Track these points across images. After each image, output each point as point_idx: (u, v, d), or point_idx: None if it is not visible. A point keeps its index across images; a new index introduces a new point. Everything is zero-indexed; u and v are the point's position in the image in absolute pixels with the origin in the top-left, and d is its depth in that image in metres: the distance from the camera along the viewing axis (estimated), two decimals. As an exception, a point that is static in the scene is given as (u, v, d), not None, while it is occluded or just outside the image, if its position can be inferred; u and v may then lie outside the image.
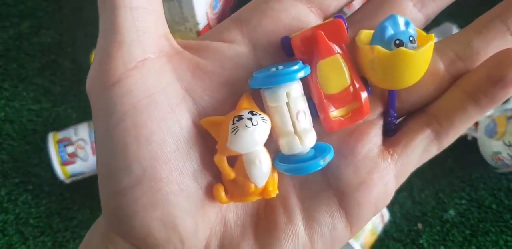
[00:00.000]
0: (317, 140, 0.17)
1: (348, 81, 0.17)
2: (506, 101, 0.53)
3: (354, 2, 0.59)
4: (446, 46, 0.19)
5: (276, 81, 0.16)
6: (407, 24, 0.17)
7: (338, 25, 0.17)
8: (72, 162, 0.46)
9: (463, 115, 0.18)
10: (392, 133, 0.19)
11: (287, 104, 0.17)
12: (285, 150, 0.17)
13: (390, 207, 0.48)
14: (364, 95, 0.17)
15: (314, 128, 0.18)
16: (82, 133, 0.48)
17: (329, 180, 0.18)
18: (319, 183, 0.18)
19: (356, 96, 0.17)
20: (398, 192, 0.50)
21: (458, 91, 0.18)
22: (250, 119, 0.16)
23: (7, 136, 0.53)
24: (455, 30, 0.55)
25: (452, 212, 0.48)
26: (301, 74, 0.16)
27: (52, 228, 0.47)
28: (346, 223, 0.18)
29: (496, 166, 0.48)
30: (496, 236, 0.47)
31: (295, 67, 0.16)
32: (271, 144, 0.17)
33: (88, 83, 0.17)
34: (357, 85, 0.17)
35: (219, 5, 0.57)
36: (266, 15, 0.18)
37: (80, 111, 0.55)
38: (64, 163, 0.46)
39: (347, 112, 0.18)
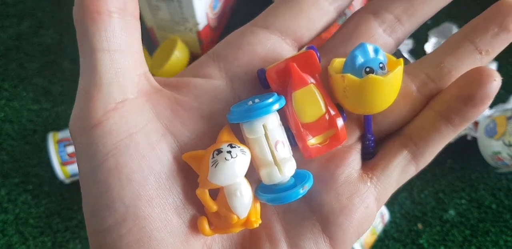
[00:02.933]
0: (298, 168, 0.18)
1: (323, 109, 0.18)
2: (506, 101, 0.53)
3: (354, 3, 0.59)
4: (417, 69, 0.19)
5: (252, 115, 0.17)
6: (376, 51, 0.17)
7: (310, 56, 0.18)
8: (72, 162, 0.46)
9: (437, 135, 0.18)
10: (371, 156, 0.19)
11: (265, 135, 0.17)
12: (265, 180, 0.17)
13: (390, 207, 0.48)
14: (339, 121, 0.18)
15: (294, 156, 0.18)
16: (82, 133, 0.48)
17: (312, 207, 0.18)
18: (302, 210, 0.18)
19: (332, 123, 0.18)
20: (398, 192, 0.50)
21: (431, 112, 0.18)
22: (229, 152, 0.16)
23: (7, 136, 0.53)
24: (455, 30, 0.55)
25: (452, 212, 0.48)
26: (276, 106, 0.17)
27: (52, 228, 0.47)
28: (330, 248, 0.18)
29: (496, 166, 0.48)
30: (496, 236, 0.47)
31: (270, 100, 0.17)
32: (254, 174, 0.18)
33: (71, 124, 0.17)
34: (332, 113, 0.18)
35: (219, 5, 0.57)
36: (241, 49, 0.19)
37: (80, 111, 0.55)
38: (64, 163, 0.46)
39: (325, 139, 0.18)
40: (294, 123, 0.18)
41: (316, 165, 0.19)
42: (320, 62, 0.18)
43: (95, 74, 0.16)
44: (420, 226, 0.47)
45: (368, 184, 0.18)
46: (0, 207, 0.48)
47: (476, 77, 0.17)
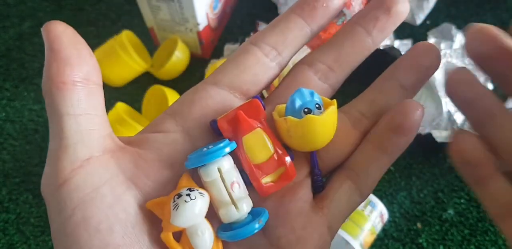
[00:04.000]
0: (255, 206, 0.20)
1: (272, 150, 0.20)
2: (504, 101, 0.53)
3: (353, 3, 0.59)
4: (351, 108, 0.22)
5: (206, 159, 0.18)
6: (311, 94, 0.19)
7: (255, 104, 0.20)
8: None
9: (376, 164, 0.20)
10: (321, 190, 0.21)
11: (221, 177, 0.19)
12: (224, 219, 0.19)
13: (390, 206, 0.48)
14: (288, 160, 0.20)
15: (251, 195, 0.20)
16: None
17: (271, 241, 0.20)
18: (264, 245, 0.20)
19: (281, 161, 0.20)
20: (398, 192, 0.50)
21: (368, 144, 0.21)
22: (188, 195, 0.18)
23: (8, 136, 0.53)
24: (454, 30, 0.55)
25: (451, 211, 0.48)
26: (227, 150, 0.19)
27: (53, 227, 0.48)
28: None
29: (495, 166, 0.49)
30: (495, 235, 0.47)
31: (221, 145, 0.19)
32: (216, 216, 0.19)
33: (42, 183, 0.18)
34: (280, 152, 0.20)
35: (219, 5, 0.57)
36: (195, 104, 0.20)
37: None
38: (64, 162, 0.46)
39: (277, 177, 0.20)
40: (246, 165, 0.20)
41: (271, 202, 0.20)
42: (265, 109, 0.20)
43: (62, 136, 0.18)
44: (419, 225, 0.47)
45: (320, 214, 0.20)
46: (1, 207, 0.48)
47: (403, 109, 0.19)
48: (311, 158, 0.21)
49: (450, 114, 0.50)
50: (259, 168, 0.19)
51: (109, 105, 0.49)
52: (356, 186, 0.20)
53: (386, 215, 0.44)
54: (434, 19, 0.64)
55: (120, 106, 0.51)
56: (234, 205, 0.19)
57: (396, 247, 0.46)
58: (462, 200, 0.49)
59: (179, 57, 0.54)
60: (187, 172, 0.19)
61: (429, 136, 0.50)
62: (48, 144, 0.19)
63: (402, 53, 0.54)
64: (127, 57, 0.52)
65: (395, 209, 0.48)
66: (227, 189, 0.19)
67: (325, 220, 0.20)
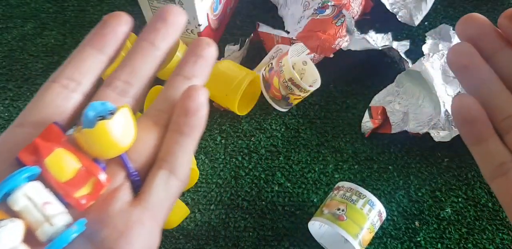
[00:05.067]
0: (80, 219, 0.20)
1: (78, 165, 0.20)
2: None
3: (352, 4, 0.59)
4: (151, 108, 0.23)
5: (2, 188, 0.19)
6: (103, 104, 0.20)
7: (52, 129, 0.21)
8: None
9: (181, 147, 0.22)
10: (140, 186, 0.22)
11: (31, 202, 0.19)
12: (42, 237, 0.19)
13: (388, 205, 0.49)
14: (97, 170, 0.20)
15: (75, 211, 0.20)
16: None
17: (97, 245, 0.20)
18: None
19: (90, 172, 0.20)
20: (396, 190, 0.50)
21: (169, 132, 0.22)
22: None
23: (11, 136, 0.54)
24: (451, 31, 0.56)
25: (449, 210, 0.49)
26: (24, 175, 0.19)
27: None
28: None
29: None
30: (492, 234, 0.47)
31: (15, 172, 0.19)
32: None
33: None
34: (87, 164, 0.20)
35: (220, 6, 0.58)
36: (1, 147, 0.21)
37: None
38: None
39: (91, 188, 0.20)
40: (55, 185, 0.20)
41: (93, 210, 0.21)
42: (65, 131, 0.21)
43: None
44: (417, 224, 0.48)
45: (139, 208, 0.21)
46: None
47: (187, 93, 0.22)
48: (122, 161, 0.21)
49: (448, 114, 0.51)
50: (69, 184, 0.20)
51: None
52: (169, 172, 0.21)
53: (384, 214, 0.45)
54: (432, 20, 0.65)
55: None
56: (48, 222, 0.19)
57: (394, 245, 0.47)
58: (460, 199, 0.49)
59: (181, 58, 0.55)
60: None
61: (427, 135, 0.51)
62: None
63: (401, 53, 0.54)
64: (129, 58, 0.52)
65: (393, 208, 0.49)
66: (40, 211, 0.19)
67: (147, 212, 0.21)
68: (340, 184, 0.45)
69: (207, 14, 0.53)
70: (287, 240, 0.47)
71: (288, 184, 0.50)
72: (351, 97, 0.57)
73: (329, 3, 0.54)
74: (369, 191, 0.44)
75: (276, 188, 0.50)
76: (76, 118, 0.23)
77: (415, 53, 0.60)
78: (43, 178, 0.20)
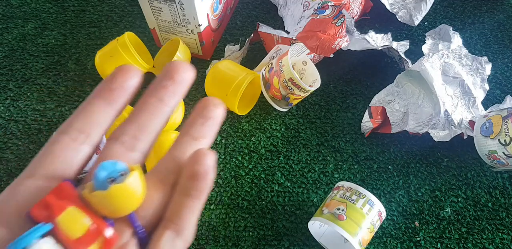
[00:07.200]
0: None
1: (88, 223, 0.21)
2: (501, 101, 0.54)
3: (352, 5, 0.59)
4: (160, 166, 0.24)
5: (18, 244, 0.19)
6: (114, 164, 0.21)
7: (64, 186, 0.21)
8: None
9: (188, 210, 0.22)
10: (146, 242, 0.23)
11: None
12: None
13: (388, 205, 0.49)
14: (105, 228, 0.21)
15: None
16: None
17: None
18: None
19: (98, 231, 0.21)
20: (396, 190, 0.50)
21: (176, 194, 0.23)
22: None
23: (11, 136, 0.54)
24: (451, 31, 0.56)
25: (448, 210, 0.49)
26: (38, 233, 0.20)
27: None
28: None
29: (491, 165, 0.49)
30: (492, 233, 0.47)
31: (31, 229, 0.20)
32: None
33: None
34: (96, 223, 0.21)
35: (220, 6, 0.58)
36: (10, 199, 0.22)
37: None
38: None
39: (99, 246, 0.21)
40: (66, 241, 0.21)
41: None
42: (76, 185, 0.22)
43: None
44: (417, 223, 0.48)
45: None
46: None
47: (195, 158, 0.22)
48: (129, 220, 0.22)
49: (447, 114, 0.51)
50: (80, 242, 0.21)
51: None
52: (175, 233, 0.22)
53: (384, 213, 0.45)
54: (432, 20, 0.65)
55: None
56: None
57: (394, 245, 0.47)
58: (460, 199, 0.49)
59: (181, 58, 0.55)
60: None
61: (427, 135, 0.51)
62: None
63: (401, 53, 0.54)
64: (129, 58, 0.53)
65: (393, 208, 0.49)
66: None
67: None
68: (340, 183, 0.45)
69: (207, 14, 0.54)
70: (287, 240, 0.47)
71: (288, 184, 0.50)
72: (351, 97, 0.57)
73: (329, 3, 0.54)
74: (369, 191, 0.44)
75: (276, 188, 0.50)
76: (83, 168, 0.24)
77: (415, 53, 0.60)
78: (53, 233, 0.21)
